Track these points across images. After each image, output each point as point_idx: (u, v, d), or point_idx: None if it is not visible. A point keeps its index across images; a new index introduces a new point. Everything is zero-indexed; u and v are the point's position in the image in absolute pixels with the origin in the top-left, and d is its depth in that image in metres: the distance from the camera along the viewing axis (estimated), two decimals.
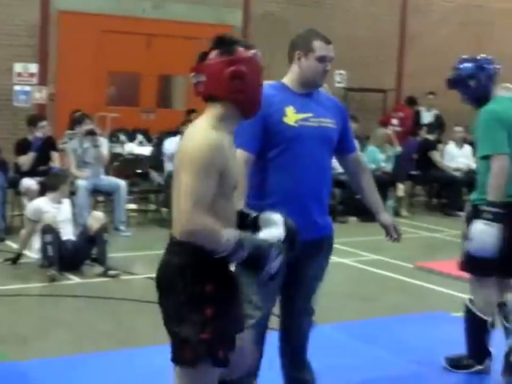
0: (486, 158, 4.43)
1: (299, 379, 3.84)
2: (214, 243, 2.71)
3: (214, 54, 2.86)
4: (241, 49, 2.87)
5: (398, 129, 12.98)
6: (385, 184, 11.01)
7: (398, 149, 11.68)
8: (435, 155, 11.98)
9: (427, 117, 13.41)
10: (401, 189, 11.45)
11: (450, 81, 4.80)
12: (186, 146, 2.82)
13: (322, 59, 3.54)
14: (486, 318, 4.57)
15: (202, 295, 2.78)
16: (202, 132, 2.83)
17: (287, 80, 3.66)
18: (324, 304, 6.12)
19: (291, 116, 3.51)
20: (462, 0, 16.62)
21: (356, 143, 11.99)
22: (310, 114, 3.55)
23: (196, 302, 2.78)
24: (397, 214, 11.05)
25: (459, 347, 4.75)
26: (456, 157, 12.05)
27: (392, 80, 15.86)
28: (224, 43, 2.85)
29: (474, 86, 4.63)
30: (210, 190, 2.73)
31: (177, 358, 2.82)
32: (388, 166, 11.32)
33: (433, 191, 12.46)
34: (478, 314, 4.57)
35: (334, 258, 7.89)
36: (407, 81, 15.79)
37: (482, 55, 4.84)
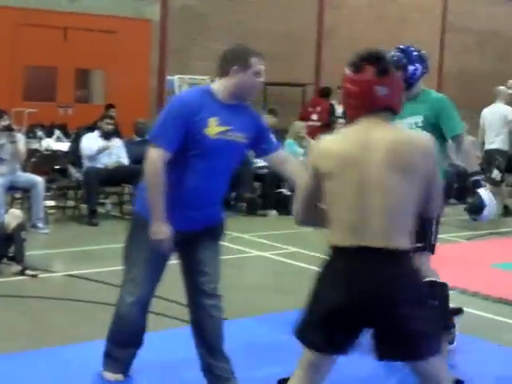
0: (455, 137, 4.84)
1: (218, 367, 4.04)
2: None
3: (392, 69, 3.09)
4: None
5: (318, 123, 13.17)
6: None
7: None
8: None
9: (339, 110, 13.60)
10: None
11: (396, 62, 4.98)
12: (417, 150, 2.99)
13: (257, 74, 3.86)
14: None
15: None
16: (418, 134, 3.36)
17: (218, 89, 3.87)
18: (246, 298, 6.22)
19: (212, 128, 3.78)
20: None
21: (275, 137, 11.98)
22: (229, 127, 3.83)
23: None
24: None
25: None
26: None
27: (310, 74, 16.05)
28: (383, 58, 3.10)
29: (417, 72, 5.03)
30: None
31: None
32: (307, 159, 11.45)
33: None
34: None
35: (254, 252, 8.06)
36: (325, 74, 16.00)
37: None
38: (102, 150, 9.64)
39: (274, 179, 10.75)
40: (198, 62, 13.94)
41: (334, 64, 15.88)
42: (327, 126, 13.02)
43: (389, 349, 2.98)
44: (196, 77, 14.18)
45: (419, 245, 5.00)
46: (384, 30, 16.89)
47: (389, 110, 3.07)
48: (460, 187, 12.76)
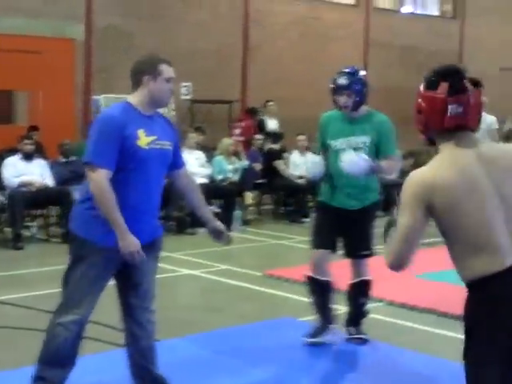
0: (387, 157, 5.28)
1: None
2: None
3: (469, 87, 2.90)
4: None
5: (241, 138, 13.22)
6: (233, 194, 11.19)
7: (246, 162, 11.86)
8: (280, 164, 12.28)
9: (272, 125, 13.69)
10: (249, 197, 11.66)
11: (350, 83, 5.18)
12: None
13: (169, 80, 3.97)
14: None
15: None
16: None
17: (135, 102, 3.97)
18: (175, 317, 6.18)
19: (143, 139, 3.89)
20: (300, 13, 17.15)
21: (203, 155, 11.96)
22: (155, 137, 3.95)
23: None
24: (245, 222, 11.24)
25: (310, 350, 4.89)
26: (300, 165, 12.39)
27: (237, 91, 16.12)
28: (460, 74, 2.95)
29: (365, 93, 5.28)
30: None
31: None
32: (235, 177, 11.49)
33: (279, 199, 12.74)
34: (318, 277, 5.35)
35: (183, 270, 8.02)
36: (251, 91, 16.10)
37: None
38: (23, 184, 9.49)
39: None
40: (124, 81, 13.74)
41: (260, 80, 16.03)
42: (249, 142, 13.09)
43: None
44: (122, 96, 14.04)
45: (367, 252, 5.29)
46: (308, 47, 17.12)
47: (467, 129, 2.91)
48: (386, 199, 12.98)
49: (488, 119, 11.44)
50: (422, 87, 2.98)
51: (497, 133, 11.31)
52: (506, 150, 3.01)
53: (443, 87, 2.88)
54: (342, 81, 5.21)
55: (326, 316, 5.47)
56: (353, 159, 5.05)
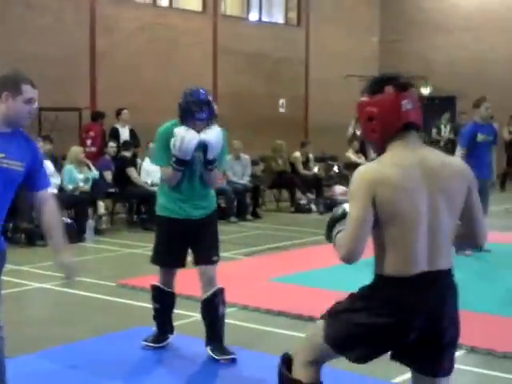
0: None
1: None
2: None
3: (411, 85, 3.11)
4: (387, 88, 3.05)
5: (93, 149, 13.01)
6: (84, 203, 10.98)
7: (96, 173, 11.65)
8: (132, 172, 12.16)
9: (124, 133, 13.50)
10: (101, 206, 11.48)
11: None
12: (455, 166, 3.08)
13: (29, 101, 3.80)
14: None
15: None
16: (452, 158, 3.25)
17: None
18: (28, 332, 5.99)
19: None
20: (148, 19, 17.07)
21: (52, 165, 11.66)
22: (2, 155, 3.75)
23: None
24: (98, 232, 11.06)
25: (165, 358, 4.85)
26: (152, 172, 12.33)
27: (86, 98, 15.82)
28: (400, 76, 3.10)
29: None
30: None
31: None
32: (86, 186, 11.28)
33: (132, 207, 12.62)
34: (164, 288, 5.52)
35: (34, 284, 7.78)
36: (101, 98, 15.84)
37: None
38: None
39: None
40: None
41: (109, 87, 15.80)
42: (101, 150, 12.89)
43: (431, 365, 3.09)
44: None
45: (217, 257, 5.36)
46: (157, 53, 17.06)
47: (415, 128, 3.07)
48: (239, 204, 13.16)
49: None
50: (365, 97, 3.11)
51: None
52: (446, 162, 3.10)
53: (389, 89, 3.04)
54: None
55: (166, 324, 5.66)
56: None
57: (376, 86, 3.09)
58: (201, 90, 5.30)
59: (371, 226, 2.96)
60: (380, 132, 3.06)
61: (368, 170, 3.00)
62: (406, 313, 2.98)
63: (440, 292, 3.03)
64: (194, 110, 5.21)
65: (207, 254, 5.39)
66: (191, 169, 5.28)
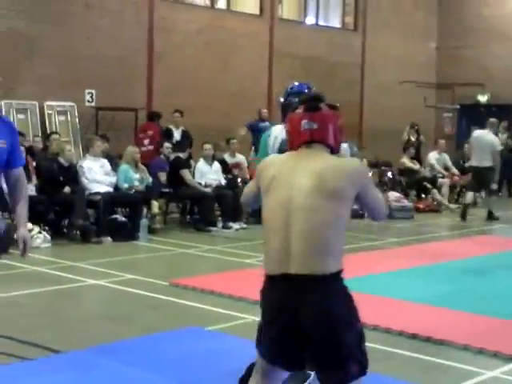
0: None
1: None
2: None
3: (323, 107, 3.37)
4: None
5: (151, 147, 13.15)
6: (139, 202, 11.08)
7: (150, 179, 11.71)
8: (186, 173, 12.23)
9: (176, 134, 13.62)
10: (155, 205, 11.57)
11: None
12: (348, 170, 3.19)
13: None
14: None
15: None
16: (349, 160, 3.49)
17: None
18: (81, 328, 6.06)
19: None
20: (205, 21, 17.16)
21: (108, 163, 11.75)
22: None
23: None
24: (152, 231, 11.15)
25: (217, 360, 4.86)
26: (206, 173, 12.40)
27: (142, 98, 15.97)
28: (320, 99, 3.42)
29: None
30: None
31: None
32: (141, 186, 11.38)
33: (185, 208, 12.70)
34: None
35: (89, 281, 7.88)
36: (157, 99, 15.98)
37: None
38: None
39: (107, 205, 10.61)
40: (25, 86, 13.55)
41: (165, 88, 15.94)
42: (157, 150, 13.01)
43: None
44: (24, 102, 13.77)
45: None
46: (214, 56, 17.14)
47: (323, 143, 3.30)
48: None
49: (491, 137, 13.37)
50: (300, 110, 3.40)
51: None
52: (342, 168, 3.20)
53: (300, 108, 3.37)
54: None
55: None
56: None
57: (297, 105, 3.43)
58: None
59: (256, 196, 3.49)
60: (290, 144, 3.39)
61: (266, 159, 3.45)
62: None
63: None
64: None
65: None
66: None
